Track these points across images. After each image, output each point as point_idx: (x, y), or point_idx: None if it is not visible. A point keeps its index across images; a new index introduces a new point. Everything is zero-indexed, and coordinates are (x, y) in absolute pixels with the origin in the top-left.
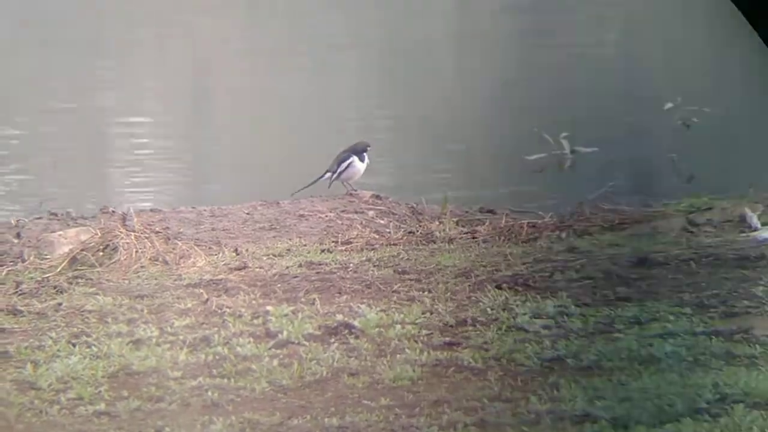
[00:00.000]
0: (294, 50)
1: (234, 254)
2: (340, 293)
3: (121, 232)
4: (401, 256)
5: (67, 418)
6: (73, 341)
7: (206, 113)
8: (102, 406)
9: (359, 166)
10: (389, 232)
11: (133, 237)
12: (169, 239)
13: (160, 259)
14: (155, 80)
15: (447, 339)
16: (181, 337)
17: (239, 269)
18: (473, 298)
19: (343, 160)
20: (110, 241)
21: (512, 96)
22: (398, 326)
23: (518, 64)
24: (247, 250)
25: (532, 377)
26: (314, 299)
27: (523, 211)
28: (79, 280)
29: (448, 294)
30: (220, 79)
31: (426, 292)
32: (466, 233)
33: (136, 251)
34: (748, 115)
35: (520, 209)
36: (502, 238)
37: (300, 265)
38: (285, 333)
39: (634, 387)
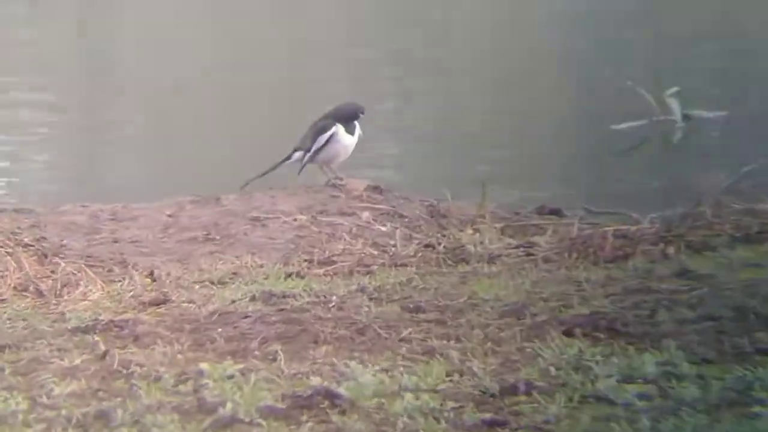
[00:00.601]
0: None
1: (148, 280)
2: (316, 343)
3: None
4: (414, 284)
5: None
6: None
7: (102, 69)
8: None
9: (347, 140)
10: (395, 246)
11: None
12: (46, 256)
13: (31, 287)
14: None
15: (487, 416)
16: (64, 412)
17: (156, 304)
18: (528, 350)
19: (322, 132)
20: None
21: (587, 37)
22: (409, 395)
23: None
24: (168, 274)
25: None
26: (276, 352)
27: (607, 213)
28: None
29: (489, 344)
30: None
31: (453, 342)
32: (517, 247)
33: None
34: None
35: (601, 210)
36: (574, 255)
37: (253, 299)
38: (229, 405)
39: None
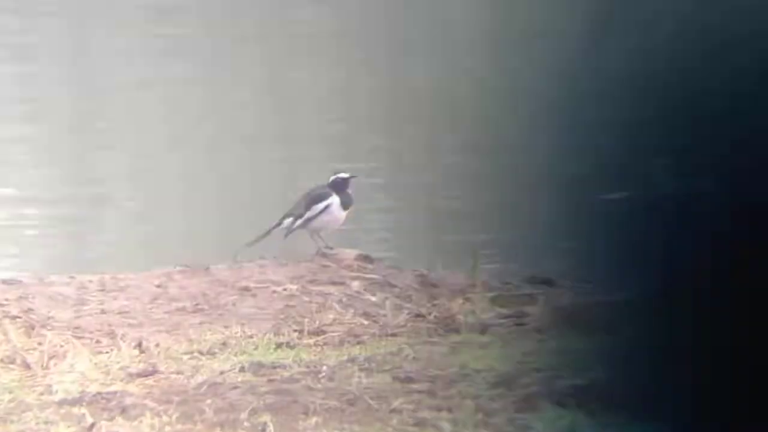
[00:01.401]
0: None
1: (136, 352)
2: (306, 414)
3: None
4: (405, 354)
5: None
6: None
7: (91, 131)
8: None
9: (340, 213)
10: (385, 316)
11: None
12: (34, 328)
13: (18, 359)
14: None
15: None
16: None
17: (144, 376)
18: (519, 421)
19: (318, 200)
20: None
21: (574, 93)
22: None
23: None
24: (157, 344)
25: None
26: (265, 424)
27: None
28: None
29: (480, 415)
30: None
31: (444, 412)
32: (509, 317)
33: None
34: None
35: (594, 278)
36: (567, 324)
37: (243, 369)
38: None
39: None
